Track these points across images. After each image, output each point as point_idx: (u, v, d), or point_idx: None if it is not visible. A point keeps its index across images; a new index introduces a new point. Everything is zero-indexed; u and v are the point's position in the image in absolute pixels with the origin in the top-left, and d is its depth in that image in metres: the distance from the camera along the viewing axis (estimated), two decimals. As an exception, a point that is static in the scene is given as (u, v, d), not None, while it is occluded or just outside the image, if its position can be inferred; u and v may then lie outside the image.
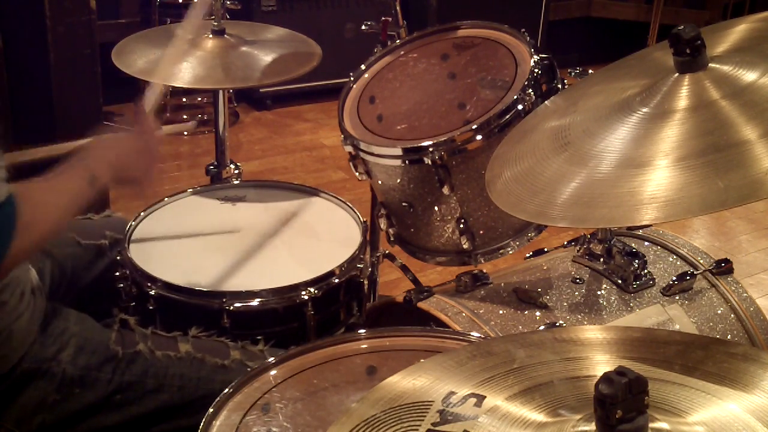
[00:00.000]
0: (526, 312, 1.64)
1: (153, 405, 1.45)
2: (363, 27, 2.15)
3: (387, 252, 2.02)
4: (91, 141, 1.43)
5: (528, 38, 1.75)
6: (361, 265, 1.73)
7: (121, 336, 1.47)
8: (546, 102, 1.49)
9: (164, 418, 1.46)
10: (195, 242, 1.80)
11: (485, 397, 0.88)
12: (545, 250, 1.94)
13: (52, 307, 1.46)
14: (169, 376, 1.45)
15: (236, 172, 2.36)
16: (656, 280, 1.73)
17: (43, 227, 1.29)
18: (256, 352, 1.52)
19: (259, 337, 1.58)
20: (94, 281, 1.73)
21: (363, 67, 1.90)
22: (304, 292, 1.62)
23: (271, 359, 1.34)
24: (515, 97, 1.63)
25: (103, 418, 1.43)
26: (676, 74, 1.17)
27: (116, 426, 1.44)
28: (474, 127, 1.62)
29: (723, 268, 1.79)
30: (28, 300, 1.40)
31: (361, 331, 1.44)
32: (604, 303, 1.67)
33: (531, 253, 1.93)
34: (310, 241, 1.83)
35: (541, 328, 1.60)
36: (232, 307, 1.57)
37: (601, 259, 1.75)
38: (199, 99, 4.38)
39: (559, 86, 1.70)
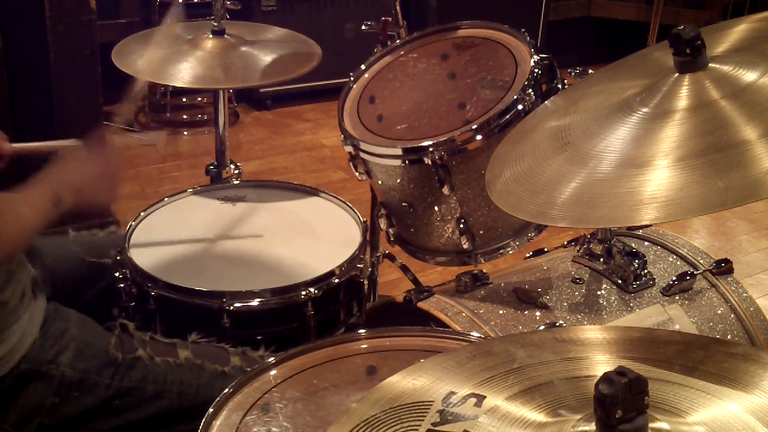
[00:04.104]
0: (526, 312, 1.64)
1: (152, 411, 1.44)
2: (363, 27, 2.15)
3: (387, 252, 2.02)
4: (57, 163, 1.44)
5: (528, 38, 1.75)
6: (361, 265, 1.73)
7: (121, 341, 1.47)
8: (546, 102, 1.49)
9: (163, 424, 1.46)
10: (195, 242, 1.80)
11: (485, 397, 0.88)
12: (545, 250, 1.94)
13: (54, 308, 1.46)
14: (169, 382, 1.45)
15: (236, 172, 2.36)
16: (656, 280, 1.73)
17: (11, 235, 1.30)
18: (256, 359, 1.52)
19: (259, 337, 1.59)
20: (94, 298, 1.72)
21: (363, 67, 1.90)
22: (304, 292, 1.61)
23: (271, 359, 1.34)
24: (515, 97, 1.63)
25: (102, 422, 1.43)
26: (676, 74, 1.17)
27: (114, 430, 1.44)
28: (474, 127, 1.62)
29: (723, 268, 1.79)
30: (29, 301, 1.40)
31: (361, 331, 1.44)
32: (604, 303, 1.67)
33: (531, 253, 1.93)
34: (310, 241, 1.83)
35: (541, 328, 1.60)
36: (232, 307, 1.57)
37: (601, 259, 1.75)
38: (199, 99, 4.38)
39: (559, 86, 1.70)
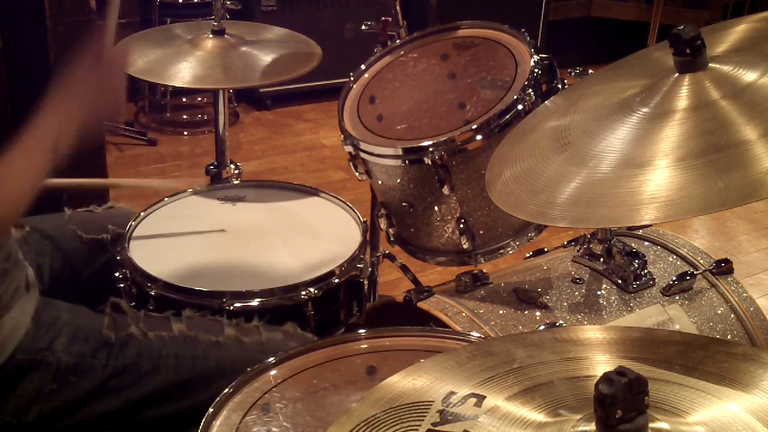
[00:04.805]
0: (526, 312, 1.64)
1: (149, 387, 1.43)
2: (363, 27, 2.15)
3: (387, 252, 2.02)
4: (49, 99, 1.29)
5: (528, 38, 1.75)
6: (361, 265, 1.73)
7: (114, 321, 1.46)
8: (546, 102, 1.49)
9: (162, 400, 1.45)
10: (195, 242, 1.80)
11: (485, 397, 0.88)
12: (545, 250, 1.94)
13: (43, 300, 1.46)
14: (164, 356, 1.44)
15: (236, 172, 2.36)
16: (656, 280, 1.73)
17: (11, 204, 1.24)
18: (250, 328, 1.51)
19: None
20: (94, 275, 1.73)
21: (363, 67, 1.90)
22: (304, 292, 1.62)
23: (271, 359, 1.34)
24: (515, 97, 1.63)
25: (101, 404, 1.42)
26: (676, 74, 1.17)
27: (114, 411, 1.43)
28: (474, 127, 1.62)
29: (723, 268, 1.79)
30: (21, 295, 1.40)
31: (361, 331, 1.44)
32: (604, 303, 1.67)
33: (531, 253, 1.93)
34: (310, 241, 1.83)
35: (541, 328, 1.60)
36: (232, 307, 1.57)
37: (601, 259, 1.75)
38: (199, 99, 4.38)
39: (559, 86, 1.70)
